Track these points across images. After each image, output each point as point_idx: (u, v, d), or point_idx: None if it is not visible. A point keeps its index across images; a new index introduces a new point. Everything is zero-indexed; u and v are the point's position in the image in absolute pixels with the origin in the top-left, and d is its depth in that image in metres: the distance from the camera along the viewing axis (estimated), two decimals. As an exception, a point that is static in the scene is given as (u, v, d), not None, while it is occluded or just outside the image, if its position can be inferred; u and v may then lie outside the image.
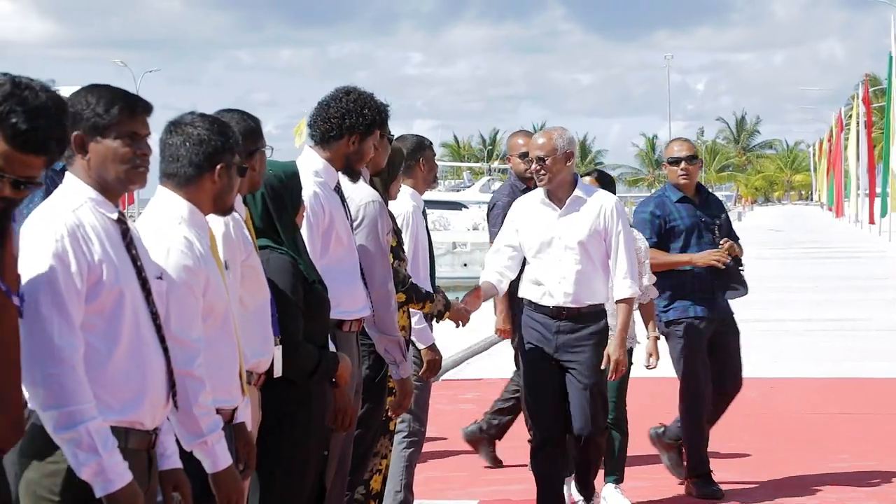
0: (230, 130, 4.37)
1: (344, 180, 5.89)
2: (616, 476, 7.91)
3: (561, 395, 7.20)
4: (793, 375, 13.38)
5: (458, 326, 7.06)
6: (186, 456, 4.03)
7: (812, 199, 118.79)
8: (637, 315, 7.72)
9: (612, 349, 7.15)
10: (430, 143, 7.41)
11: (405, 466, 7.19)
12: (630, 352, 7.66)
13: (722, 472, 8.93)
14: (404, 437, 7.16)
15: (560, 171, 7.16)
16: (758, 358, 14.63)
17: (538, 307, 7.26)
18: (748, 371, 13.46)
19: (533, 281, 7.30)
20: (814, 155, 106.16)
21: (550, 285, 7.20)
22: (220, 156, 4.30)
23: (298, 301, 5.04)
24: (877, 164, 51.50)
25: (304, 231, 5.45)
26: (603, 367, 7.14)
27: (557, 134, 7.18)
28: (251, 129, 4.81)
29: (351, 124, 5.72)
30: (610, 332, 7.29)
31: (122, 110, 3.75)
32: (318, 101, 5.84)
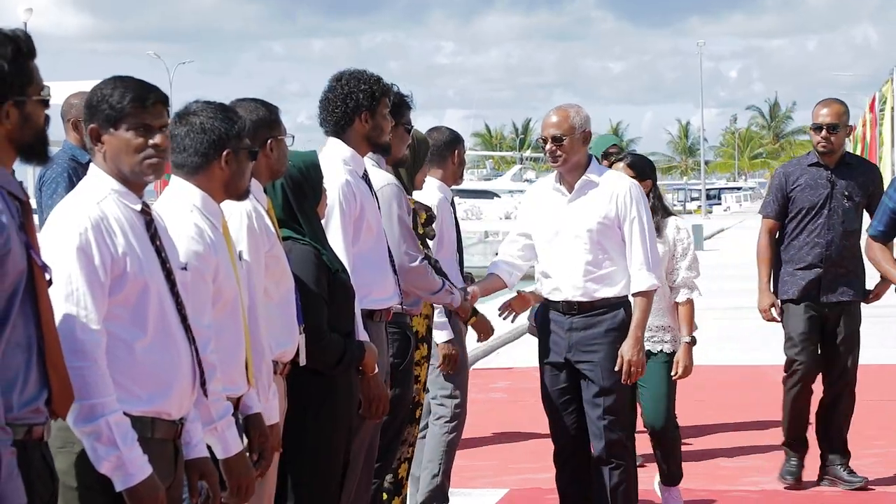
0: (235, 116, 4.37)
1: (369, 165, 5.90)
2: None
3: (578, 400, 6.57)
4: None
5: (479, 340, 6.84)
6: None
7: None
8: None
9: (625, 349, 6.38)
10: (463, 140, 7.43)
11: (444, 451, 7.19)
12: (670, 355, 7.17)
13: (750, 459, 8.91)
14: (446, 422, 7.17)
15: (576, 152, 6.47)
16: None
17: (550, 303, 6.61)
18: (776, 358, 13.46)
19: (544, 274, 6.65)
20: (848, 141, 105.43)
21: (559, 279, 6.54)
22: (225, 142, 4.31)
23: (322, 291, 5.05)
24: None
25: (336, 219, 5.48)
26: (616, 368, 6.40)
27: (574, 111, 6.53)
28: (264, 118, 4.81)
29: (356, 104, 5.72)
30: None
31: (133, 101, 3.77)
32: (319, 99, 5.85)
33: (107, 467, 3.57)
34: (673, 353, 7.18)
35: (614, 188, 6.48)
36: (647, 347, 6.78)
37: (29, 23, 60.03)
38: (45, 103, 3.38)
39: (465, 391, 7.31)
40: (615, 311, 6.48)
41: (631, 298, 6.49)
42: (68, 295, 3.56)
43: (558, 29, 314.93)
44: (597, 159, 6.82)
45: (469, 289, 6.57)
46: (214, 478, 3.96)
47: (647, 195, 6.89)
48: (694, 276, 7.22)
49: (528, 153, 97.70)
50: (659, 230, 7.10)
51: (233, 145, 4.32)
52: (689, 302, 7.18)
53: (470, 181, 66.74)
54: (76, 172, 6.51)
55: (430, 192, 7.05)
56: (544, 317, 6.65)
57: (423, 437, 7.16)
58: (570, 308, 6.51)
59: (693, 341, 7.21)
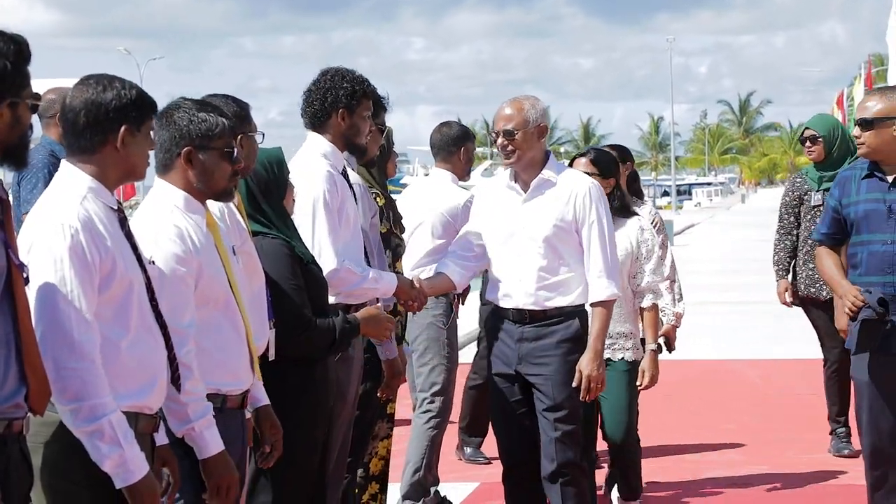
0: (206, 114, 4.34)
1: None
2: None
3: (529, 415, 6.07)
4: (795, 357, 13.42)
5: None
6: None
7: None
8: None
9: (584, 363, 5.90)
10: (474, 137, 7.46)
11: (428, 446, 7.25)
12: (632, 363, 6.78)
13: (722, 451, 9.01)
14: (431, 418, 7.23)
15: (531, 148, 5.99)
16: (760, 339, 14.72)
17: (500, 311, 6.12)
18: (749, 352, 13.61)
19: (494, 279, 6.15)
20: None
21: (510, 284, 6.04)
22: (187, 140, 4.30)
23: (299, 281, 5.09)
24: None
25: (321, 211, 5.51)
26: (574, 384, 5.91)
27: (529, 104, 6.02)
28: (234, 114, 4.76)
29: (334, 100, 5.76)
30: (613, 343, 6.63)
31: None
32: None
33: (109, 465, 3.61)
34: (635, 362, 6.78)
35: (573, 188, 6.01)
36: (606, 355, 6.36)
37: (-2, 19, 59.83)
38: (35, 108, 3.44)
39: (453, 388, 7.37)
40: (569, 321, 6.01)
41: (588, 308, 6.04)
42: (65, 296, 3.59)
43: (528, 26, 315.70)
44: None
45: (416, 278, 6.01)
46: (175, 463, 4.01)
47: (611, 194, 6.64)
48: (659, 279, 6.83)
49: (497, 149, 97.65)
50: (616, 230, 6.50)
51: (196, 143, 4.30)
52: (654, 307, 6.79)
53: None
54: (56, 168, 6.56)
55: (451, 189, 7.15)
56: (493, 324, 6.19)
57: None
58: (520, 316, 6.03)
59: (659, 349, 6.93)
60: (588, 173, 6.50)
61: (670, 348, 7.57)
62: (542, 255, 5.98)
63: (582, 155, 6.90)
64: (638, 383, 6.80)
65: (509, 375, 6.06)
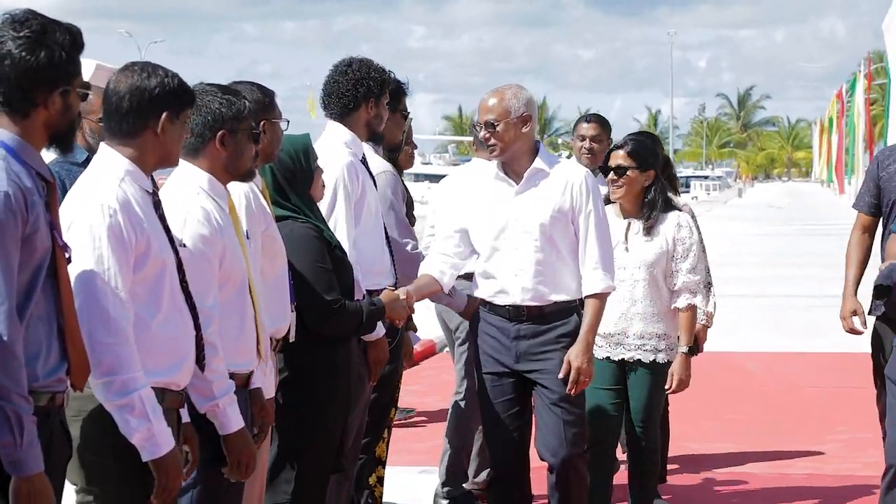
0: (234, 97, 4.47)
1: (367, 150, 6.07)
2: None
3: (523, 416, 5.92)
4: (793, 350, 13.54)
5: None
6: (202, 418, 4.19)
7: (812, 177, 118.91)
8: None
9: (573, 354, 5.70)
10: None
11: (468, 432, 7.24)
12: (664, 365, 6.44)
13: (720, 441, 9.11)
14: (467, 407, 7.18)
15: (515, 138, 5.74)
16: (758, 332, 14.83)
17: (493, 308, 5.86)
18: (748, 345, 13.71)
19: (485, 275, 5.89)
20: (816, 132, 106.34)
21: (505, 280, 5.80)
22: (221, 123, 4.42)
23: (328, 265, 5.20)
24: (877, 142, 51.53)
25: (340, 199, 5.65)
26: (561, 375, 5.72)
27: (511, 93, 5.78)
28: (258, 100, 4.89)
29: (365, 91, 5.92)
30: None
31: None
32: (324, 80, 6.02)
33: (138, 438, 3.73)
34: (667, 364, 6.46)
35: (567, 178, 5.78)
36: (637, 356, 6.36)
37: None
38: (85, 97, 3.56)
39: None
40: (568, 317, 5.82)
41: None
42: (101, 273, 3.71)
43: (530, 16, 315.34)
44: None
45: (403, 290, 5.75)
46: (195, 442, 4.13)
47: (650, 187, 6.40)
48: (698, 279, 6.46)
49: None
50: (652, 228, 6.41)
51: (228, 126, 4.43)
52: (691, 308, 6.45)
53: (439, 165, 66.71)
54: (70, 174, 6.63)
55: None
56: (482, 322, 5.93)
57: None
58: (517, 314, 5.80)
59: (691, 352, 6.51)
60: (625, 167, 6.39)
61: (698, 349, 7.10)
62: (539, 248, 5.75)
63: (619, 147, 6.49)
64: (666, 386, 6.47)
65: (503, 373, 5.85)
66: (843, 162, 64.00)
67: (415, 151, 7.28)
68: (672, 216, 6.47)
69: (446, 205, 6.07)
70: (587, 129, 7.55)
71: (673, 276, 6.44)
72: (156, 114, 3.88)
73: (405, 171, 7.21)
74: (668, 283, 6.45)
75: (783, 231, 36.65)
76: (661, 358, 6.43)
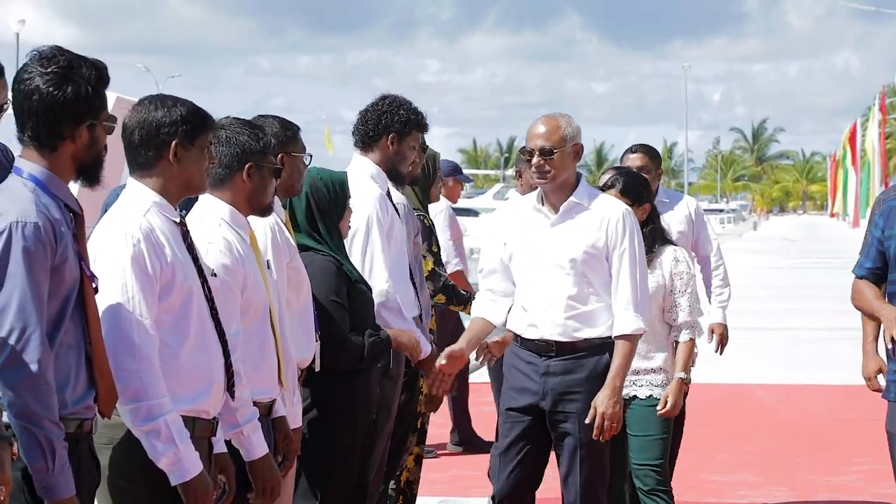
0: (260, 132, 4.58)
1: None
2: None
3: (538, 454, 5.72)
4: (809, 382, 13.54)
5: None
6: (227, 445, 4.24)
7: (826, 210, 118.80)
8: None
9: (600, 399, 5.48)
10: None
11: None
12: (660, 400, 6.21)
13: (737, 473, 9.11)
14: None
15: (566, 169, 5.60)
16: (773, 364, 14.84)
17: (524, 341, 5.69)
18: (763, 377, 13.71)
19: (518, 308, 5.74)
20: (832, 165, 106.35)
21: (536, 313, 5.63)
22: (248, 156, 4.51)
23: (342, 299, 5.27)
24: (891, 175, 51.59)
25: (374, 231, 5.78)
26: (587, 420, 5.51)
27: (565, 121, 5.63)
28: (280, 135, 4.98)
29: (387, 123, 6.04)
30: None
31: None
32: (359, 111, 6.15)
33: (165, 463, 3.80)
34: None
35: (606, 213, 5.61)
36: (632, 392, 6.15)
37: (21, 34, 60.18)
38: (111, 130, 3.64)
39: None
40: (599, 354, 5.60)
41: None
42: (126, 302, 3.78)
43: (543, 50, 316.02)
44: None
45: (456, 347, 5.69)
46: (232, 471, 4.19)
47: (645, 222, 6.19)
48: (698, 316, 6.32)
49: (511, 171, 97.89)
50: (650, 262, 6.13)
51: (255, 159, 4.53)
52: (690, 342, 6.27)
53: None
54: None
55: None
56: (511, 355, 5.77)
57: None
58: (547, 348, 5.62)
59: (687, 380, 6.28)
60: None
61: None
62: (572, 284, 5.58)
63: (609, 187, 6.25)
64: (658, 408, 6.17)
65: (526, 409, 5.65)
66: (858, 196, 64.07)
67: (466, 185, 7.32)
68: (669, 251, 6.35)
69: (490, 239, 5.96)
70: (633, 159, 7.28)
71: (672, 311, 6.28)
72: (166, 143, 3.96)
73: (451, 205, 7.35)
74: (665, 317, 6.29)
75: (798, 264, 36.65)
76: (657, 393, 6.22)
